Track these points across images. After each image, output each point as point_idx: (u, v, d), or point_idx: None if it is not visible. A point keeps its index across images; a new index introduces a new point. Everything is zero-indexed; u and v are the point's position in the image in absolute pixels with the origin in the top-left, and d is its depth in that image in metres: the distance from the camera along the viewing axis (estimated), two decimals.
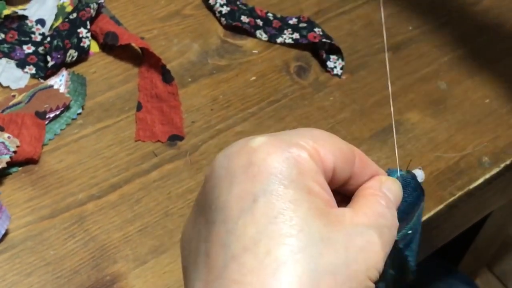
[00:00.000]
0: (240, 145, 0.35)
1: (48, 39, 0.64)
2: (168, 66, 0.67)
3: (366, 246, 0.34)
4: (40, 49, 0.65)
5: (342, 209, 0.35)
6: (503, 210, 0.94)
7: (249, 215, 0.33)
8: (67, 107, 0.62)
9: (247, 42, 0.72)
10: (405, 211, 0.41)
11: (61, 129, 0.61)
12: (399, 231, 0.40)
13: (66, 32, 0.65)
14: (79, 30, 0.65)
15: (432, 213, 0.62)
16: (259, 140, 0.35)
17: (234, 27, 0.72)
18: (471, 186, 0.64)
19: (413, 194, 0.41)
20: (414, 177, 0.42)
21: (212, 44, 0.71)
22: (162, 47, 0.69)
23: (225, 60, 0.69)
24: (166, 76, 0.65)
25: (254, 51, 0.71)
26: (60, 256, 0.54)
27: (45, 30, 0.67)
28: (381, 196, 0.37)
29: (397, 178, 0.41)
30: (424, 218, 0.61)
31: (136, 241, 0.55)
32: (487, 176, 0.64)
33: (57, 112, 0.61)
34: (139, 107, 0.64)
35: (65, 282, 0.52)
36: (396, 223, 0.37)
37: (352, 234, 0.34)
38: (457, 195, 0.63)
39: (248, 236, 0.32)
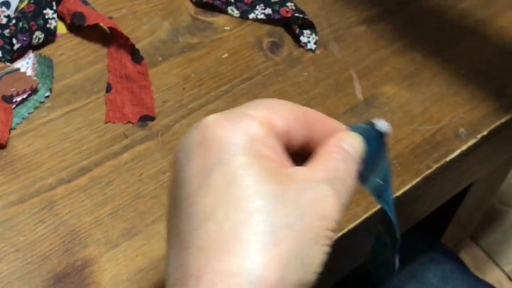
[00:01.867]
0: (196, 124, 0.38)
1: (13, 21, 0.63)
2: (138, 46, 0.65)
3: (317, 199, 0.36)
4: (6, 31, 0.64)
5: (294, 168, 0.37)
6: (485, 181, 0.94)
7: (206, 186, 0.35)
8: (34, 90, 0.61)
9: (218, 19, 0.70)
10: (371, 161, 0.42)
11: (29, 113, 0.60)
12: (369, 181, 0.42)
13: (31, 14, 0.63)
14: (45, 11, 0.64)
15: (409, 186, 0.61)
16: (212, 117, 0.37)
17: (204, 4, 0.70)
18: (448, 158, 0.63)
19: (376, 144, 0.42)
20: (373, 126, 0.42)
21: (182, 21, 0.69)
22: (132, 26, 0.68)
23: (196, 38, 0.68)
24: (135, 55, 0.64)
25: (226, 28, 0.70)
26: (30, 241, 0.53)
27: (10, 12, 0.65)
28: (336, 150, 0.39)
29: (358, 131, 0.41)
30: (401, 191, 0.60)
31: (107, 225, 0.54)
32: (464, 147, 0.64)
33: (24, 96, 0.60)
34: (108, 88, 0.62)
35: (36, 268, 0.52)
36: (352, 174, 0.39)
37: (303, 189, 0.36)
38: (433, 168, 0.62)
39: (207, 206, 0.35)
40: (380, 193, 0.44)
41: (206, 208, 0.35)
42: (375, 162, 0.42)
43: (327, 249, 0.36)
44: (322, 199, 0.36)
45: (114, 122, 0.60)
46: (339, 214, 0.37)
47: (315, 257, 0.36)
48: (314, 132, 0.40)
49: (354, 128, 0.42)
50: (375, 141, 0.42)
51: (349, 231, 0.57)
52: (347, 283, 0.78)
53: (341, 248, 0.58)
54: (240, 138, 0.36)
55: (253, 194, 0.35)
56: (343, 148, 0.39)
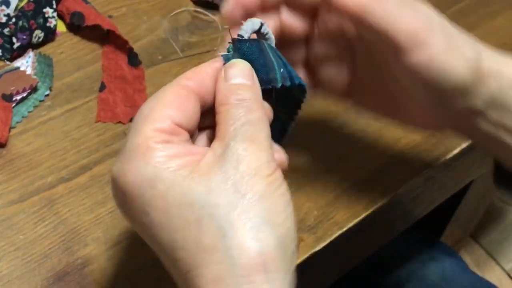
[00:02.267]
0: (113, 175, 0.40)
1: (13, 20, 0.63)
2: (138, 44, 0.65)
3: (237, 163, 0.37)
4: (5, 30, 0.64)
5: (207, 156, 0.38)
6: (485, 179, 0.94)
7: (153, 227, 0.38)
8: (34, 89, 0.61)
9: (218, 17, 0.70)
10: (262, 63, 0.42)
11: (28, 112, 0.60)
12: (271, 78, 0.42)
13: (31, 12, 0.63)
14: (44, 10, 0.64)
15: (409, 185, 0.61)
16: (114, 169, 0.39)
17: (204, 2, 0.70)
18: (448, 157, 0.63)
19: (253, 46, 0.43)
20: (241, 36, 0.43)
21: (182, 20, 0.69)
22: (131, 24, 0.68)
23: (196, 36, 0.68)
24: (133, 59, 0.64)
25: (225, 26, 0.69)
26: (30, 240, 0.53)
27: (10, 11, 0.65)
28: (224, 108, 0.40)
29: (232, 55, 0.42)
30: (401, 189, 0.60)
31: (107, 223, 0.54)
32: (464, 146, 0.64)
33: (24, 94, 0.60)
34: (102, 88, 0.62)
35: (36, 266, 0.52)
36: (255, 93, 0.40)
37: (223, 164, 0.37)
38: (433, 166, 0.62)
39: (167, 241, 0.37)
40: (287, 76, 0.44)
41: (166, 243, 0.38)
42: (263, 59, 0.43)
43: (281, 189, 0.38)
44: (235, 164, 0.37)
45: (104, 122, 0.60)
46: (259, 153, 0.38)
47: (274, 206, 0.37)
48: (206, 88, 0.41)
49: (226, 56, 0.42)
50: (250, 45, 0.43)
51: (348, 230, 0.57)
52: (347, 282, 0.78)
53: (341, 247, 0.58)
54: (147, 173, 0.37)
55: (188, 206, 0.37)
56: (231, 84, 0.40)
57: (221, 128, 0.39)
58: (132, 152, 0.38)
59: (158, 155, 0.38)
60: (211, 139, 0.42)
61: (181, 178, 0.37)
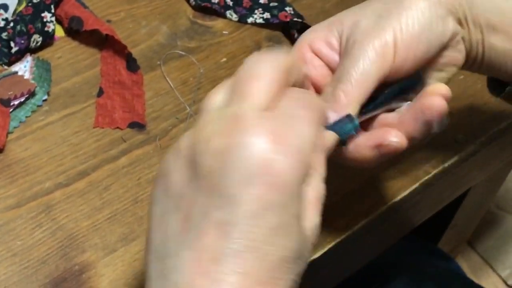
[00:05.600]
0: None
1: (11, 24, 0.62)
2: (137, 49, 0.65)
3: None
4: (3, 34, 0.63)
5: None
6: (482, 186, 0.94)
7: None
8: (32, 94, 0.61)
9: (217, 23, 0.70)
10: None
11: (26, 116, 0.60)
12: None
13: (29, 17, 0.63)
14: (43, 15, 0.64)
15: (407, 192, 0.61)
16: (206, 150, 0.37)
17: (203, 8, 0.70)
18: (446, 164, 0.63)
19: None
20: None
21: (181, 25, 0.69)
22: (130, 29, 0.68)
23: (194, 42, 0.68)
24: (132, 64, 0.63)
25: (224, 32, 0.70)
26: (27, 246, 0.53)
27: (8, 15, 0.65)
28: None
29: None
30: (400, 197, 0.60)
31: (105, 229, 0.54)
32: (462, 153, 0.64)
33: (22, 99, 0.60)
34: (100, 93, 0.62)
35: (33, 272, 0.51)
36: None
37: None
38: (432, 173, 0.62)
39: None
40: None
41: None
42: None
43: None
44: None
45: (102, 127, 0.60)
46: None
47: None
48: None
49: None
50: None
51: (346, 237, 0.57)
52: (351, 285, 0.78)
53: (338, 254, 0.57)
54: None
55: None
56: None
57: None
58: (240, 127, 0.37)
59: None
60: None
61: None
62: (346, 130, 0.44)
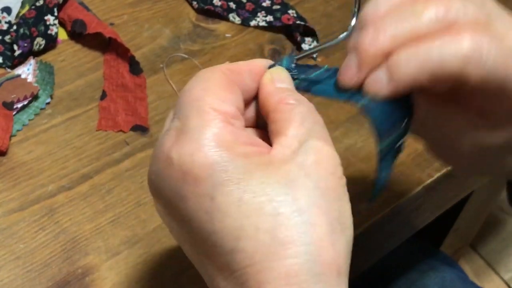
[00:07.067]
0: (159, 159, 0.37)
1: (14, 27, 0.63)
2: (139, 52, 0.65)
3: (311, 164, 0.36)
4: (7, 37, 0.63)
5: (275, 149, 0.37)
6: (485, 189, 0.94)
7: (217, 213, 0.35)
8: (35, 97, 0.61)
9: (220, 26, 0.70)
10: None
11: (29, 120, 0.60)
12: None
13: (32, 20, 0.63)
14: (46, 18, 0.64)
15: (410, 195, 0.61)
16: (175, 148, 0.37)
17: (206, 11, 0.70)
18: (449, 167, 0.63)
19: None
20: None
21: (184, 28, 0.69)
22: (133, 32, 0.68)
23: (197, 45, 0.68)
24: (135, 67, 0.63)
25: (227, 35, 0.70)
26: (30, 249, 0.53)
27: (11, 18, 0.65)
28: (279, 113, 0.38)
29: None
30: (403, 200, 0.60)
31: (108, 232, 0.54)
32: None
33: (25, 102, 0.60)
34: (103, 96, 0.62)
35: (36, 275, 0.51)
36: (303, 100, 0.39)
37: (300, 160, 0.36)
38: (435, 177, 0.62)
39: (229, 228, 0.35)
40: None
41: (229, 231, 0.35)
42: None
43: (347, 195, 0.37)
44: (316, 159, 0.36)
45: (105, 130, 0.60)
46: (334, 153, 0.37)
47: (345, 209, 0.37)
48: (247, 86, 0.40)
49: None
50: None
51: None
52: (358, 285, 0.78)
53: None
54: (218, 155, 0.36)
55: (265, 196, 0.35)
56: (288, 99, 0.39)
57: (285, 126, 0.38)
58: (199, 132, 0.36)
59: (229, 139, 0.36)
60: None
61: (254, 166, 0.36)
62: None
